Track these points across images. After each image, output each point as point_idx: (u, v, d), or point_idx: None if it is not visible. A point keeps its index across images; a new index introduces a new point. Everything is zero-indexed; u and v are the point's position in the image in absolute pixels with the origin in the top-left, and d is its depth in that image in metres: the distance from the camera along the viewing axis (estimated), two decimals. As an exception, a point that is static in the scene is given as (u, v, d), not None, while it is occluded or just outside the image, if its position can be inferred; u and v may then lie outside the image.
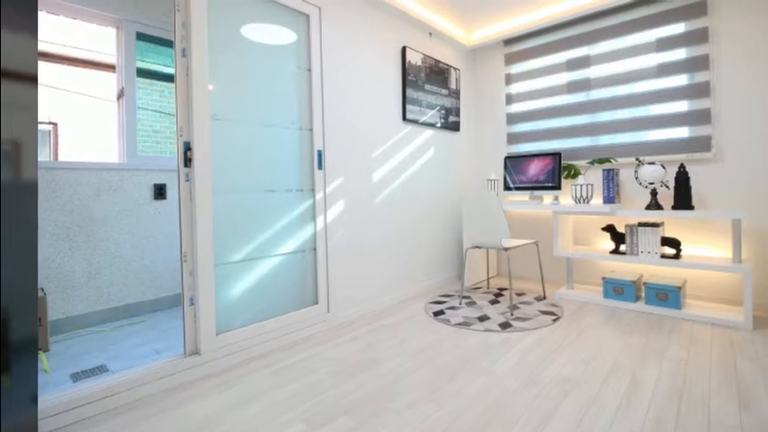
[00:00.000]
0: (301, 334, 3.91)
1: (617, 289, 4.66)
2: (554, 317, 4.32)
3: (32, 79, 2.03)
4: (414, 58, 5.33)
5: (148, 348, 3.64)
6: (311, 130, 4.08)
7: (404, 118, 5.19)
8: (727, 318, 4.03)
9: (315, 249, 4.10)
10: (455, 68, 6.13)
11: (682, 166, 4.35)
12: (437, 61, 5.76)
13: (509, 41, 6.24)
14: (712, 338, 3.67)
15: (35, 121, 2.05)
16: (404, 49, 5.20)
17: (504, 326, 4.07)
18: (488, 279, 5.96)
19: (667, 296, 4.33)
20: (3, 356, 1.96)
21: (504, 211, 4.69)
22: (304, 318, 3.95)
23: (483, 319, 4.30)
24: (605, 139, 5.27)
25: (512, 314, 4.42)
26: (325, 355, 3.49)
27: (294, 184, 3.92)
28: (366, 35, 4.72)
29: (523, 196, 5.96)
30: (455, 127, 6.11)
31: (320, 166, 4.13)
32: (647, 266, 5.05)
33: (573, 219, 5.59)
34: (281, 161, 3.82)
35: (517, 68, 6.16)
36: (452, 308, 4.70)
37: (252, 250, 3.59)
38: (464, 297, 5.17)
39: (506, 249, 4.56)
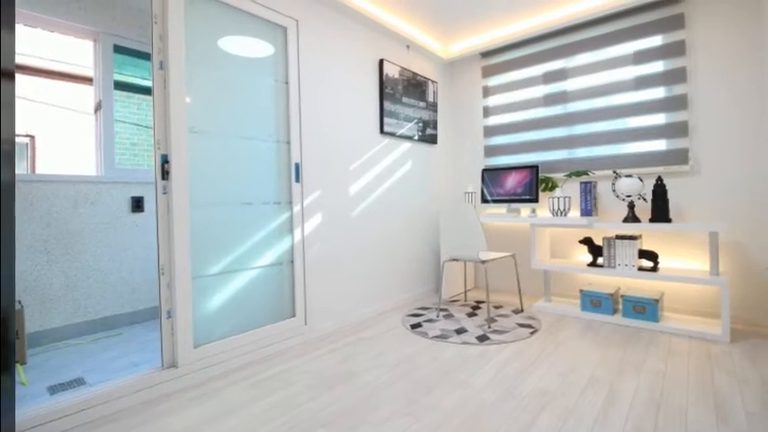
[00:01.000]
0: (279, 347, 3.97)
1: (594, 301, 4.75)
2: (531, 329, 4.40)
3: (12, 76, 2.10)
4: (391, 70, 5.44)
5: (126, 361, 3.69)
6: (288, 142, 4.16)
7: (381, 131, 5.30)
8: (705, 330, 4.13)
9: (292, 262, 4.17)
10: (432, 81, 6.25)
11: (659, 179, 4.46)
12: (414, 74, 5.87)
13: (486, 54, 6.37)
14: (690, 351, 3.75)
15: (14, 119, 2.12)
16: (381, 62, 5.31)
17: (482, 338, 4.15)
18: (466, 292, 6.03)
19: (645, 309, 4.43)
20: (3, 355, 2.00)
21: (481, 223, 4.75)
22: (282, 330, 4.01)
23: (460, 331, 4.38)
24: (583, 152, 5.40)
25: (489, 327, 4.51)
26: (303, 368, 3.54)
27: (271, 196, 3.98)
28: (343, 48, 4.83)
29: (501, 209, 6.06)
30: (432, 140, 6.23)
31: (297, 179, 4.20)
32: (624, 279, 5.16)
33: (550, 231, 5.70)
34: (259, 174, 3.89)
35: (494, 81, 6.29)
36: (430, 320, 4.79)
37: (229, 263, 3.66)
38: (441, 310, 5.27)
39: (484, 262, 4.64)
